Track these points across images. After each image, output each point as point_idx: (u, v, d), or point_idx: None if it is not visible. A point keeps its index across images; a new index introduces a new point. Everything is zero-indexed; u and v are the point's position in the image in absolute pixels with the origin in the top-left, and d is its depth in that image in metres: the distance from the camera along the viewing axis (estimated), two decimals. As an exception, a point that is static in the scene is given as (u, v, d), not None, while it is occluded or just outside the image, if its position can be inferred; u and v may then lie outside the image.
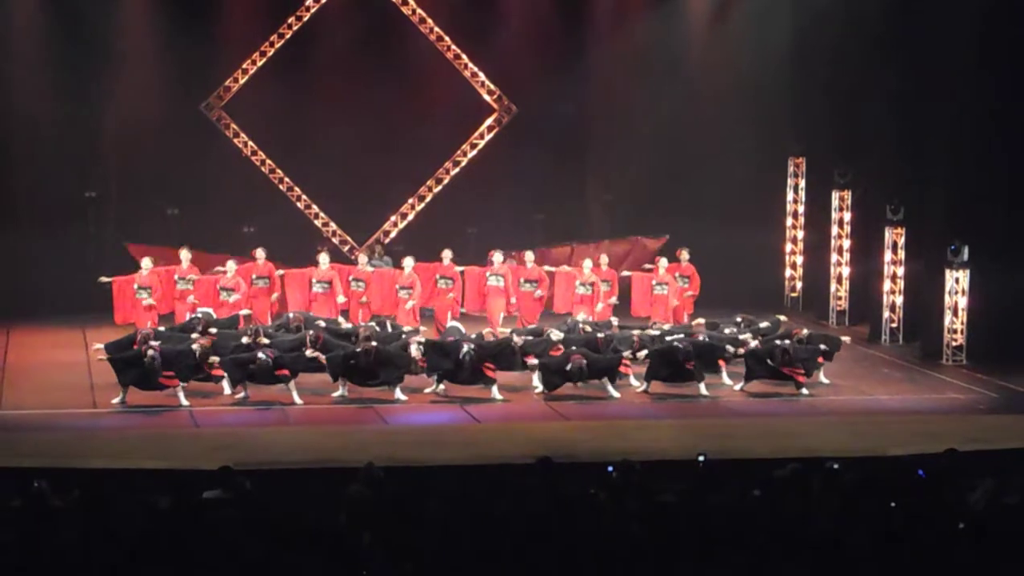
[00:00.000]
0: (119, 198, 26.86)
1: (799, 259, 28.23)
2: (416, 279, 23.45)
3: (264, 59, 27.60)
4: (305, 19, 27.67)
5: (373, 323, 22.14)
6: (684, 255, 24.44)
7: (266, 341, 20.48)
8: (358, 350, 20.07)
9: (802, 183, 28.07)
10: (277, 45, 27.63)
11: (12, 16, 26.32)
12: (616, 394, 20.72)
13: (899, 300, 25.10)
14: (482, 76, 28.14)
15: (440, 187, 28.33)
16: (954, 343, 23.29)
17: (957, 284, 23.20)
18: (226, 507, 11.89)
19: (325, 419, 19.51)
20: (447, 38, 27.94)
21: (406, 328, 21.96)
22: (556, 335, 21.30)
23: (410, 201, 28.31)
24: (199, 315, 22.09)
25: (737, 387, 21.22)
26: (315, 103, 27.33)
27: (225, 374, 20.17)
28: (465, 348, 20.32)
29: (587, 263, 24.02)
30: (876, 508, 11.74)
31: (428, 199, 28.33)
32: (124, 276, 23.19)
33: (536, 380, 20.97)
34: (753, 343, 21.36)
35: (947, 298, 23.25)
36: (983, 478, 12.79)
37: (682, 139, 27.53)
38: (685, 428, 18.98)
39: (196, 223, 26.48)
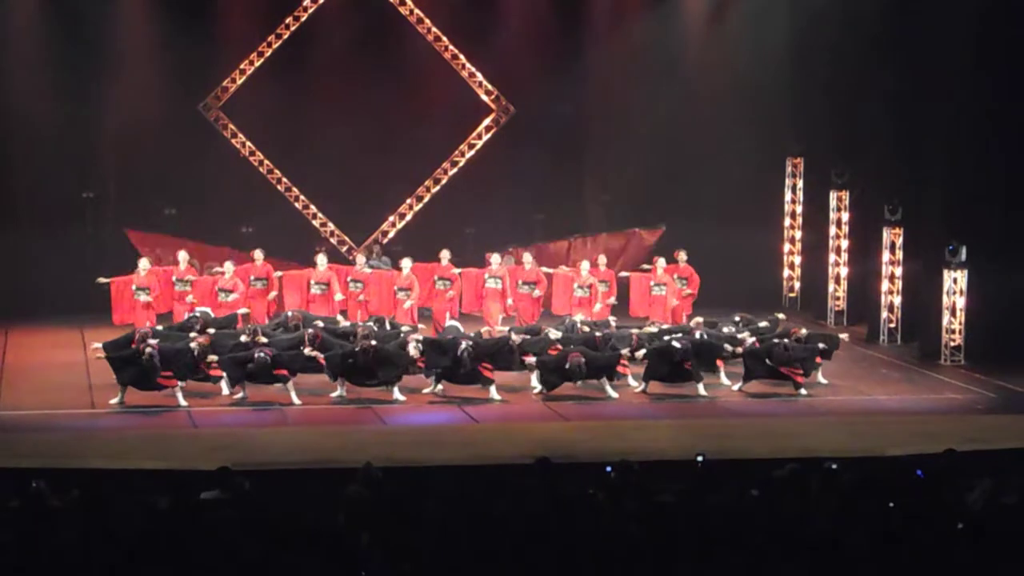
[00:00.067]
0: (118, 198, 26.87)
1: (797, 259, 28.24)
2: (414, 280, 23.44)
3: (262, 59, 27.60)
4: (303, 19, 27.67)
5: (371, 322, 22.13)
6: (682, 256, 24.44)
7: (264, 340, 20.48)
8: (356, 349, 20.07)
9: (800, 183, 28.08)
10: (275, 45, 27.63)
11: (11, 16, 26.33)
12: (614, 394, 20.73)
13: (897, 300, 25.12)
14: (480, 76, 28.15)
15: (438, 187, 28.33)
16: (952, 343, 23.30)
17: (955, 284, 23.22)
18: (224, 507, 11.89)
19: (323, 419, 19.52)
20: (445, 38, 27.94)
21: (404, 327, 21.95)
22: (554, 334, 21.32)
23: (408, 201, 28.31)
24: (197, 314, 22.10)
25: (735, 387, 21.23)
26: (313, 103, 27.33)
27: (223, 374, 20.18)
28: (463, 345, 20.32)
29: (585, 265, 24.01)
30: (874, 508, 11.74)
31: (426, 199, 28.33)
32: (122, 277, 23.19)
33: (535, 380, 20.97)
34: (751, 340, 21.41)
35: (945, 298, 23.27)
36: (981, 478, 12.80)
37: (680, 139, 27.52)
38: (683, 428, 18.98)
39: (194, 223, 26.55)
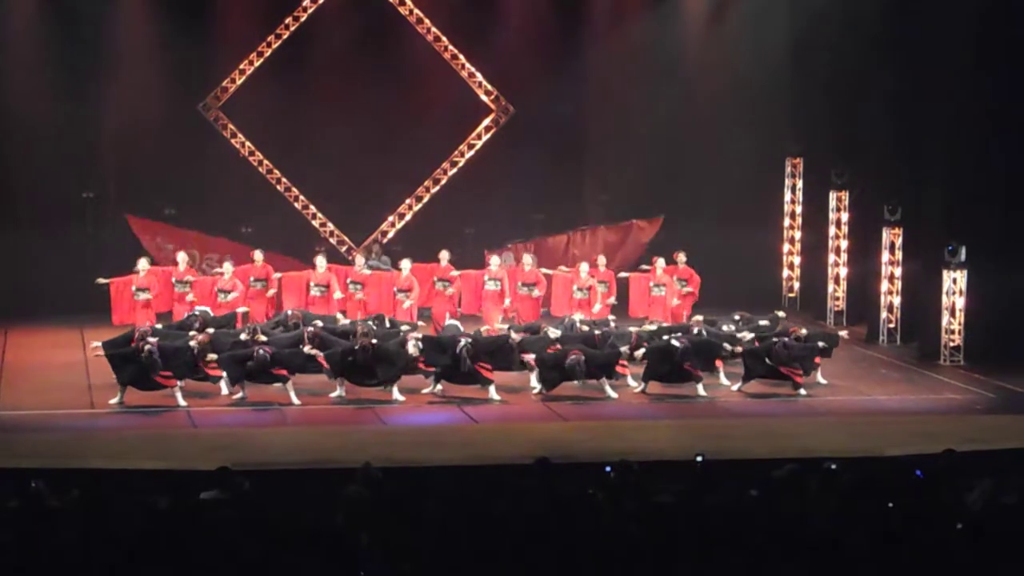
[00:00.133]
0: (117, 198, 26.85)
1: (796, 259, 28.24)
2: (414, 281, 23.44)
3: (262, 59, 27.59)
4: (302, 19, 27.66)
5: (371, 321, 22.12)
6: (681, 257, 24.42)
7: (264, 338, 20.49)
8: (356, 347, 20.06)
9: (799, 183, 28.08)
10: (275, 45, 27.62)
11: (10, 16, 26.31)
12: (614, 395, 20.73)
13: (896, 301, 25.12)
14: (479, 76, 28.14)
15: (438, 187, 28.32)
16: (951, 343, 23.30)
17: (954, 284, 23.22)
18: (224, 507, 11.89)
19: (323, 419, 19.52)
20: (444, 38, 27.94)
21: (404, 325, 21.94)
22: (554, 333, 21.33)
23: (408, 201, 28.30)
24: (196, 313, 22.12)
25: (735, 387, 21.23)
26: (313, 103, 27.32)
27: (223, 373, 20.18)
28: (462, 342, 20.33)
29: (584, 267, 24.00)
30: (874, 508, 11.74)
31: (426, 199, 28.31)
32: (122, 277, 23.20)
33: (534, 380, 20.98)
34: (750, 336, 21.42)
35: (944, 298, 23.27)
36: (981, 478, 12.79)
37: (679, 139, 27.53)
38: (683, 428, 18.98)
39: (194, 223, 26.58)
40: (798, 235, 28.17)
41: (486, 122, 28.36)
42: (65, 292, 25.06)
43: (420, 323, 22.74)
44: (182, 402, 19.81)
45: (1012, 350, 22.52)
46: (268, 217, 27.18)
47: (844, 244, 26.69)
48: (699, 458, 14.17)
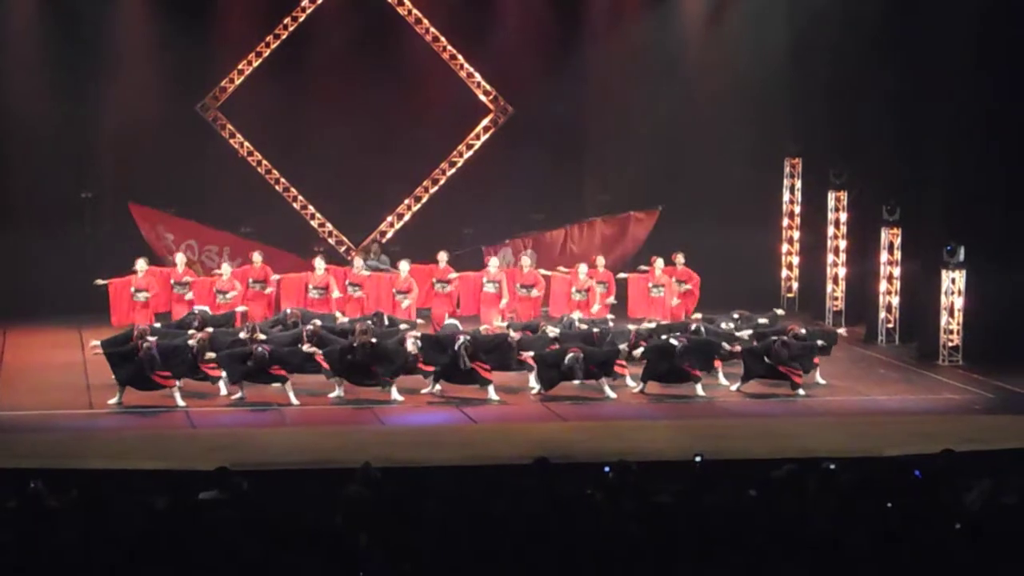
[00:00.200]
0: (116, 198, 26.84)
1: (795, 259, 28.23)
2: (413, 282, 23.44)
3: (260, 60, 27.58)
4: (301, 20, 27.66)
5: (370, 318, 22.11)
6: (679, 259, 24.42)
7: (263, 336, 20.49)
8: (355, 344, 20.05)
9: (798, 183, 28.07)
10: (273, 46, 27.61)
11: (9, 16, 26.32)
12: (612, 395, 20.72)
13: (895, 301, 25.11)
14: (478, 77, 28.14)
15: (436, 188, 28.32)
16: (950, 344, 23.30)
17: (953, 285, 23.22)
18: (223, 508, 11.89)
19: (322, 420, 19.51)
20: (443, 39, 27.93)
21: (403, 324, 21.94)
22: (553, 332, 21.33)
23: (406, 202, 28.29)
24: (195, 311, 22.13)
25: (734, 387, 21.23)
26: (311, 104, 27.32)
27: (222, 373, 20.17)
28: (461, 339, 20.33)
29: (582, 268, 24.00)
30: (873, 509, 11.74)
31: (424, 200, 28.31)
32: (120, 278, 23.21)
33: (533, 380, 20.97)
34: (747, 333, 21.42)
35: (943, 299, 23.27)
36: (979, 478, 12.80)
37: (679, 139, 27.53)
38: (681, 429, 18.97)
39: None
40: (797, 235, 28.16)
41: (485, 122, 28.35)
42: (64, 292, 25.05)
43: (420, 321, 22.75)
44: (181, 402, 19.81)
45: (1011, 350, 22.52)
46: (267, 217, 27.18)
47: (843, 244, 26.68)
48: (698, 458, 14.17)
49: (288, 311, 22.20)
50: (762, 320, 22.51)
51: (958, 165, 23.21)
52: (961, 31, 23.01)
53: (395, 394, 20.29)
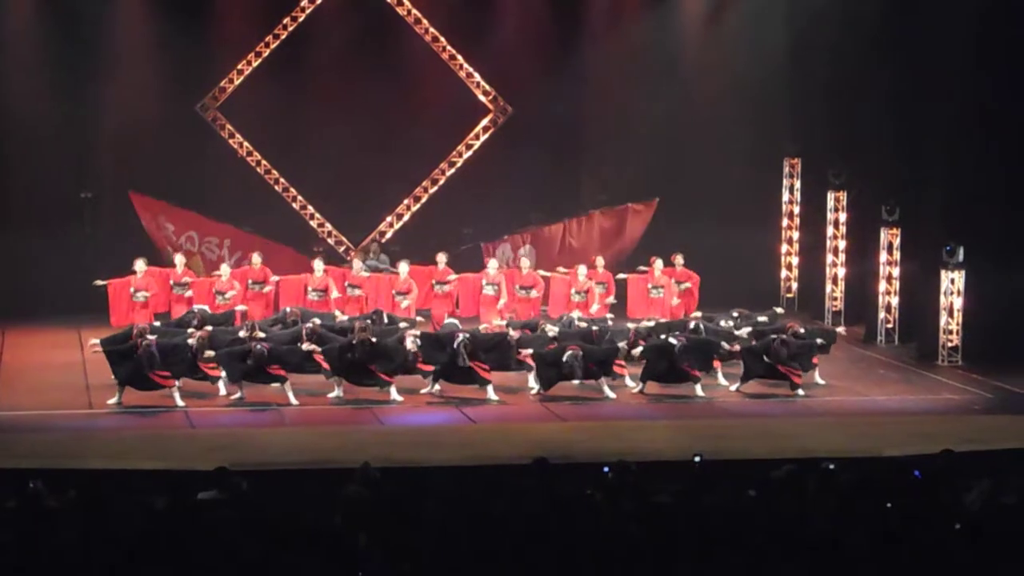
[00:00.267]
0: (116, 198, 26.83)
1: (795, 260, 28.24)
2: (412, 283, 23.43)
3: (260, 60, 27.58)
4: (300, 20, 27.66)
5: (369, 320, 22.10)
6: (679, 259, 24.42)
7: (262, 335, 20.49)
8: (354, 342, 20.04)
9: (798, 183, 28.07)
10: (273, 46, 27.61)
11: (9, 16, 26.33)
12: (612, 395, 20.71)
13: (895, 301, 25.11)
14: (477, 77, 28.14)
15: (436, 188, 28.32)
16: (949, 344, 23.31)
17: (952, 285, 23.22)
18: (222, 508, 11.90)
19: (321, 420, 19.51)
20: (442, 39, 27.93)
21: (403, 322, 21.93)
22: (552, 331, 21.33)
23: (406, 202, 28.29)
24: (195, 310, 22.14)
25: (733, 387, 21.23)
26: (311, 103, 27.32)
27: (222, 373, 20.17)
28: (460, 337, 20.33)
29: (582, 269, 24.00)
30: (872, 509, 11.74)
31: (424, 200, 28.31)
32: (120, 279, 23.21)
33: (532, 380, 20.97)
34: (746, 331, 21.42)
35: (943, 299, 23.27)
36: (979, 479, 12.80)
37: (678, 140, 27.53)
38: (681, 429, 18.97)
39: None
40: (796, 235, 28.16)
41: (484, 122, 28.35)
42: (63, 292, 25.04)
43: (419, 319, 22.74)
44: (180, 402, 19.81)
45: (1010, 350, 22.52)
46: (267, 217, 27.18)
47: (842, 244, 26.68)
48: (697, 458, 14.16)
49: (288, 310, 22.19)
50: (761, 318, 22.52)
51: (957, 165, 23.21)
52: (960, 31, 23.02)
53: (394, 394, 20.29)
